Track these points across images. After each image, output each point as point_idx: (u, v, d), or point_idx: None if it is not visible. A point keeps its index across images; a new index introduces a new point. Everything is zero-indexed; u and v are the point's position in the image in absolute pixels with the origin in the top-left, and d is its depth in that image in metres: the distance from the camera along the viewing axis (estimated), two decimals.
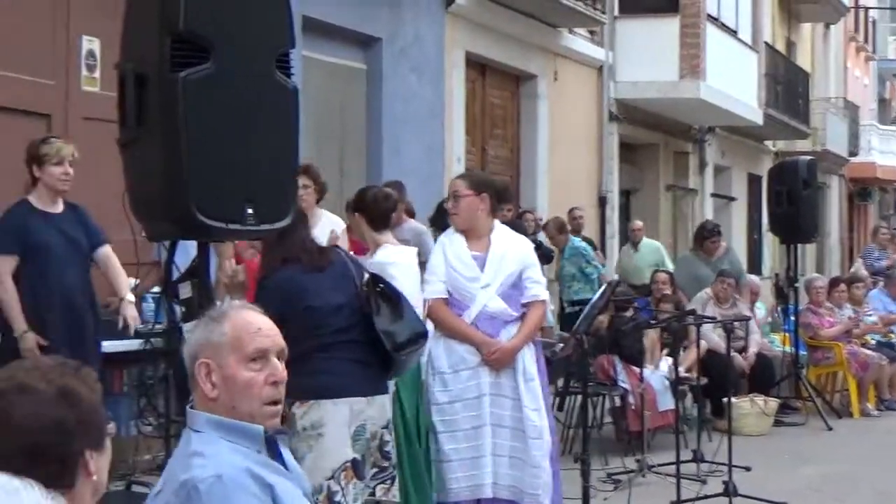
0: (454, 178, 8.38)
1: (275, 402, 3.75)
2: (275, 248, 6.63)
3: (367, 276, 6.95)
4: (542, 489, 7.68)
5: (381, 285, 6.99)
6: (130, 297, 8.15)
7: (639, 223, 19.35)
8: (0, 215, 7.99)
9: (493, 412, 7.67)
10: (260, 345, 3.72)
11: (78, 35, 10.33)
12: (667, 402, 11.82)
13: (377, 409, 6.74)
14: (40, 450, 2.74)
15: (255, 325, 3.76)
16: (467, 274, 7.82)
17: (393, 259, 7.72)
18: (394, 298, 7.00)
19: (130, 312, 8.13)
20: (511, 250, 7.95)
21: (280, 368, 3.75)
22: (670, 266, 16.78)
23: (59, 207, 8.02)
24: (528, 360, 7.85)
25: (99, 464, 2.83)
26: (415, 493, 7.52)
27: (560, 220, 15.98)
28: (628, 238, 19.64)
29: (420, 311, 7.55)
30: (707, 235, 15.23)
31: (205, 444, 3.65)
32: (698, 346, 11.64)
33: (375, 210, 7.93)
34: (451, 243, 7.92)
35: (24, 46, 9.83)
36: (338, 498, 6.38)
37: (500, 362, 7.72)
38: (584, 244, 15.81)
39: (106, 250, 8.16)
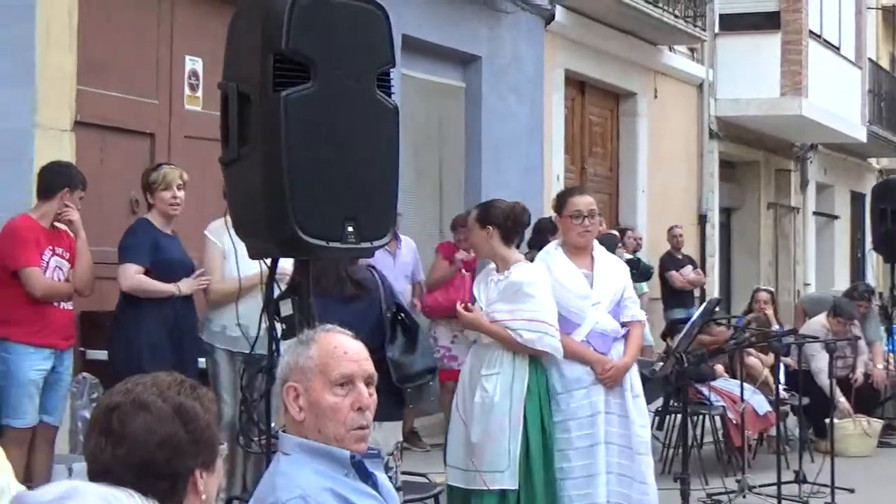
0: (584, 196, 8.09)
1: (361, 428, 3.75)
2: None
3: (393, 305, 7.01)
4: None
5: (402, 315, 7.03)
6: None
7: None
8: (126, 231, 8.20)
9: (605, 430, 7.66)
10: (346, 370, 3.73)
11: (181, 55, 10.45)
12: (764, 406, 11.72)
13: (383, 435, 6.74)
14: (152, 466, 2.77)
15: (341, 349, 3.77)
16: (578, 291, 7.78)
17: (531, 279, 7.59)
18: (412, 330, 7.03)
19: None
20: (613, 268, 7.95)
21: (366, 394, 3.75)
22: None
23: (170, 231, 8.29)
24: (635, 377, 7.85)
25: (209, 483, 2.86)
26: None
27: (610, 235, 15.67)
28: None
29: (551, 328, 7.50)
30: (856, 297, 14.28)
31: (291, 466, 3.67)
32: (799, 365, 11.53)
33: (514, 224, 7.78)
34: (555, 261, 7.87)
35: (128, 66, 9.97)
36: None
37: (613, 380, 7.69)
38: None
39: None
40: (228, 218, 7.88)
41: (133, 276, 8.01)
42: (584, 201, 7.96)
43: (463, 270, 11.73)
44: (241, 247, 7.64)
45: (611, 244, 10.32)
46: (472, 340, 7.83)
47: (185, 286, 8.07)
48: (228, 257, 7.95)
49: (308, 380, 3.71)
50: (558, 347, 7.53)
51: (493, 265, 7.80)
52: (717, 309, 11.76)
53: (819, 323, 13.27)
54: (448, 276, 11.80)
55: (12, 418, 7.77)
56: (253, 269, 7.48)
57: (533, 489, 7.44)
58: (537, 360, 7.56)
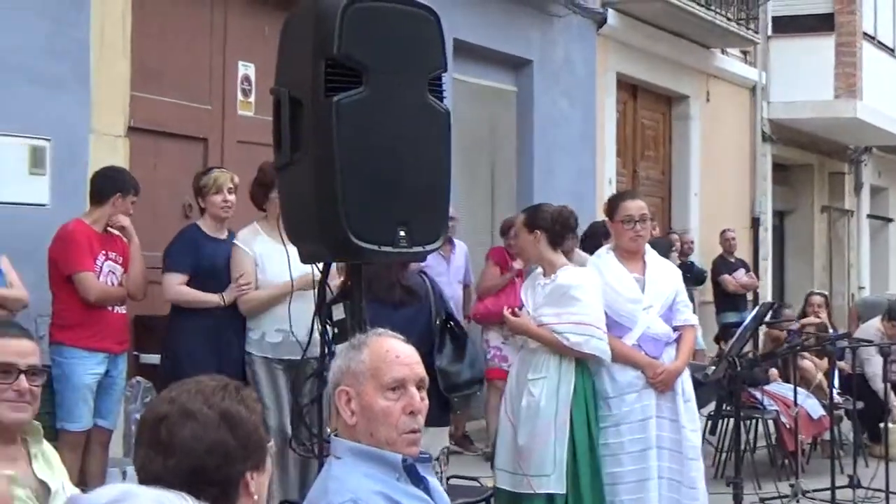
0: (636, 201, 8.05)
1: (413, 432, 3.76)
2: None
3: (443, 313, 7.00)
4: None
5: (452, 323, 7.02)
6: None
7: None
8: (173, 239, 8.21)
9: (656, 434, 7.64)
10: (397, 374, 3.73)
11: (234, 60, 10.51)
12: (818, 410, 11.66)
13: (429, 439, 6.73)
14: (202, 473, 2.78)
15: (393, 353, 3.77)
16: (629, 296, 7.76)
17: (578, 282, 7.58)
18: (460, 339, 7.01)
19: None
20: (665, 273, 7.93)
21: (418, 398, 3.76)
22: None
23: (224, 234, 8.24)
24: (686, 381, 7.83)
25: (259, 483, 2.87)
26: None
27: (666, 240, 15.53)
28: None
29: (599, 331, 7.50)
30: None
31: (343, 470, 3.68)
32: (853, 369, 11.45)
33: (562, 228, 7.75)
34: (607, 264, 7.86)
35: (182, 72, 10.03)
36: None
37: (665, 384, 7.67)
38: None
39: None
40: (257, 224, 7.95)
41: (173, 286, 8.01)
42: (636, 205, 7.93)
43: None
44: (273, 253, 7.75)
45: (666, 248, 10.28)
46: (519, 346, 7.84)
47: (228, 296, 7.98)
48: (259, 264, 7.95)
49: (360, 384, 3.71)
50: (606, 350, 7.51)
51: (540, 269, 7.80)
52: (773, 311, 11.72)
53: (873, 326, 13.17)
54: (500, 285, 11.69)
55: (67, 422, 7.81)
56: (284, 276, 7.52)
57: (580, 493, 7.43)
58: (584, 364, 7.55)
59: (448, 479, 7.47)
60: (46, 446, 4.30)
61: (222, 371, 7.52)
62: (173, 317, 8.16)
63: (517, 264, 11.35)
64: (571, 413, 7.46)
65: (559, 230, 7.72)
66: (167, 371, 7.95)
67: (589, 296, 7.54)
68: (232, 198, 8.20)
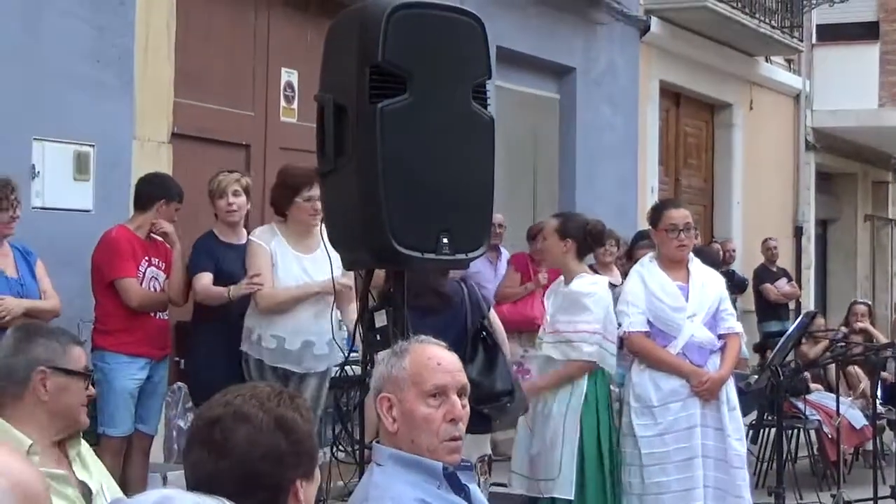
0: (680, 210, 8.08)
1: (454, 439, 3.76)
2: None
3: (478, 322, 7.00)
4: None
5: (485, 333, 7.02)
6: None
7: None
8: (192, 247, 8.14)
9: (701, 443, 7.62)
10: (439, 381, 3.73)
11: (277, 67, 10.53)
12: (860, 420, 11.60)
13: (466, 446, 6.71)
14: (254, 477, 2.78)
15: (435, 360, 3.77)
16: (673, 304, 7.76)
17: (588, 290, 7.68)
18: (492, 350, 7.02)
19: None
20: (709, 281, 7.91)
21: (459, 405, 3.75)
22: None
23: (242, 239, 8.09)
24: (731, 389, 7.82)
25: (308, 492, 2.86)
26: None
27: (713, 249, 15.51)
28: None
29: (608, 342, 7.55)
30: None
31: (384, 477, 3.68)
32: None
33: (592, 241, 7.93)
34: (650, 273, 7.86)
35: (226, 78, 10.06)
36: None
37: (710, 392, 7.66)
38: None
39: None
40: (275, 226, 7.89)
41: (201, 283, 7.87)
42: (680, 214, 7.93)
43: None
44: (287, 257, 7.73)
45: (714, 258, 10.24)
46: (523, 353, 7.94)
47: (234, 290, 7.71)
48: (275, 263, 7.75)
49: (401, 390, 3.71)
50: (613, 364, 7.67)
51: (562, 277, 7.93)
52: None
53: None
54: (520, 294, 11.45)
55: (108, 427, 7.83)
56: (294, 281, 7.53)
57: (584, 499, 7.44)
58: (597, 373, 7.64)
59: (490, 486, 7.49)
60: (84, 448, 4.32)
61: (234, 377, 7.54)
62: (193, 322, 8.18)
63: (542, 277, 11.06)
64: (581, 420, 7.49)
65: (590, 243, 7.90)
66: (187, 374, 8.09)
67: (599, 306, 7.63)
68: (238, 200, 8.06)
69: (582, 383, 7.55)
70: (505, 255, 11.85)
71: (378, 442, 3.80)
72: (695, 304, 7.76)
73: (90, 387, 4.27)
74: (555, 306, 7.77)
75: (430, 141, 5.56)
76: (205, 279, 7.90)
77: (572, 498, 7.43)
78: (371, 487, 3.67)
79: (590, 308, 7.55)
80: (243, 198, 8.13)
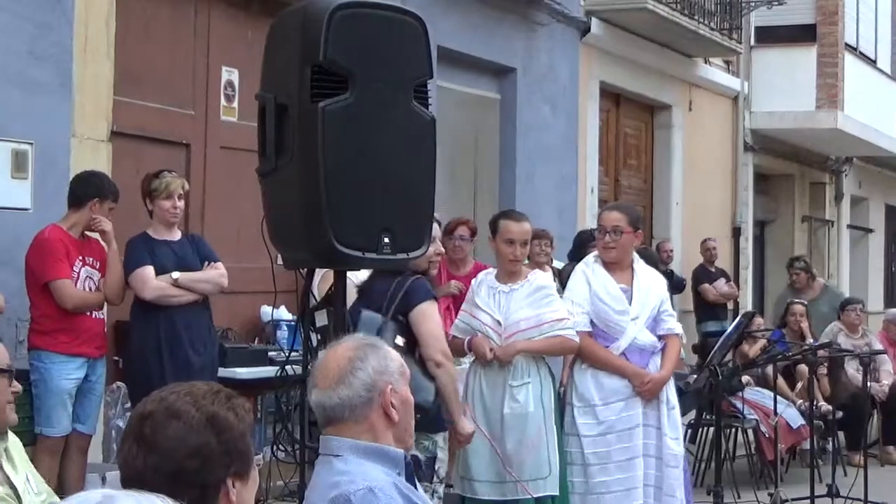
0: (610, 212, 8.16)
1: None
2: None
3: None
4: None
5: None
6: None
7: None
8: (125, 249, 8.12)
9: (643, 443, 7.67)
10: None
11: (218, 65, 10.48)
12: (797, 419, 11.70)
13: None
14: (183, 474, 2.77)
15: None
16: (616, 307, 7.79)
17: (547, 282, 7.82)
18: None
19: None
20: (653, 283, 7.95)
21: None
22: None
23: (177, 236, 8.21)
24: (671, 389, 7.88)
25: (243, 494, 2.85)
26: None
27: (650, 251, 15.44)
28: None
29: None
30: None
31: (349, 466, 3.71)
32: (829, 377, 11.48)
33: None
34: (595, 274, 7.88)
35: (165, 77, 10.00)
36: None
37: (652, 392, 7.71)
38: None
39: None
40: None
41: (151, 280, 7.92)
42: (609, 217, 7.99)
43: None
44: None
45: (653, 259, 10.25)
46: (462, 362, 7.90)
47: (182, 275, 7.94)
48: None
49: (397, 381, 3.82)
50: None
51: (490, 277, 7.74)
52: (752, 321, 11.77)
53: (834, 324, 13.60)
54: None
55: (46, 427, 7.78)
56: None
57: (565, 497, 7.49)
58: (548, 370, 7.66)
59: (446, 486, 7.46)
60: (11, 443, 4.29)
61: (168, 373, 7.56)
62: (131, 320, 8.19)
63: (454, 287, 9.66)
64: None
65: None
66: (126, 376, 8.15)
67: (555, 293, 7.72)
68: (181, 204, 8.17)
69: (550, 382, 7.55)
70: None
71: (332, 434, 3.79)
72: (638, 307, 7.79)
73: (14, 383, 4.22)
74: (514, 305, 7.54)
75: (372, 140, 5.58)
76: (147, 272, 7.91)
77: (558, 493, 7.43)
78: (335, 475, 3.69)
79: (553, 296, 7.61)
80: (183, 201, 8.22)
